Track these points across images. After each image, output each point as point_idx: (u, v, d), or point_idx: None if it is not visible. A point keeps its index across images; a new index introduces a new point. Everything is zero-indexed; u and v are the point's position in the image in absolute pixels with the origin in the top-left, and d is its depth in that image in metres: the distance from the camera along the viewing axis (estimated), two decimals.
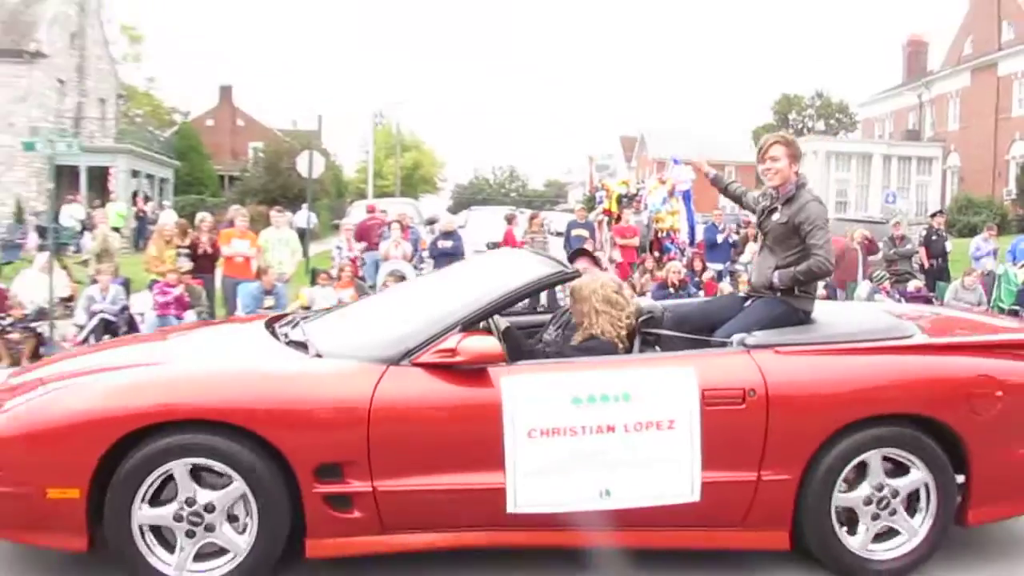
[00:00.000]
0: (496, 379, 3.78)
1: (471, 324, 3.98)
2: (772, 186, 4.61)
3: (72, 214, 22.93)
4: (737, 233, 16.53)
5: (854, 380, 4.05)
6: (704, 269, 13.46)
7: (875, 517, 4.03)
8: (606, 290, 4.40)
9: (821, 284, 13.66)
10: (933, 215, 17.16)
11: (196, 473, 3.66)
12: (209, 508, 3.64)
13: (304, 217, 21.86)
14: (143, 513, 3.63)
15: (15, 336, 10.26)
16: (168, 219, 22.34)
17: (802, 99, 68.31)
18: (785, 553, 4.08)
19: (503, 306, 4.25)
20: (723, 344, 4.24)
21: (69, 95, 32.65)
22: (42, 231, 22.03)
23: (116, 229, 19.28)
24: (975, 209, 30.98)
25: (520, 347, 4.55)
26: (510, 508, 3.76)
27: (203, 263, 11.70)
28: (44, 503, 3.58)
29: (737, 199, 5.34)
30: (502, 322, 4.71)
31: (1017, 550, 4.56)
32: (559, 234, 18.75)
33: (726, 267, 14.17)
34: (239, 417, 3.65)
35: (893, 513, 4.04)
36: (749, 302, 4.66)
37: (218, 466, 3.63)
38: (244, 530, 3.70)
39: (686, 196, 14.46)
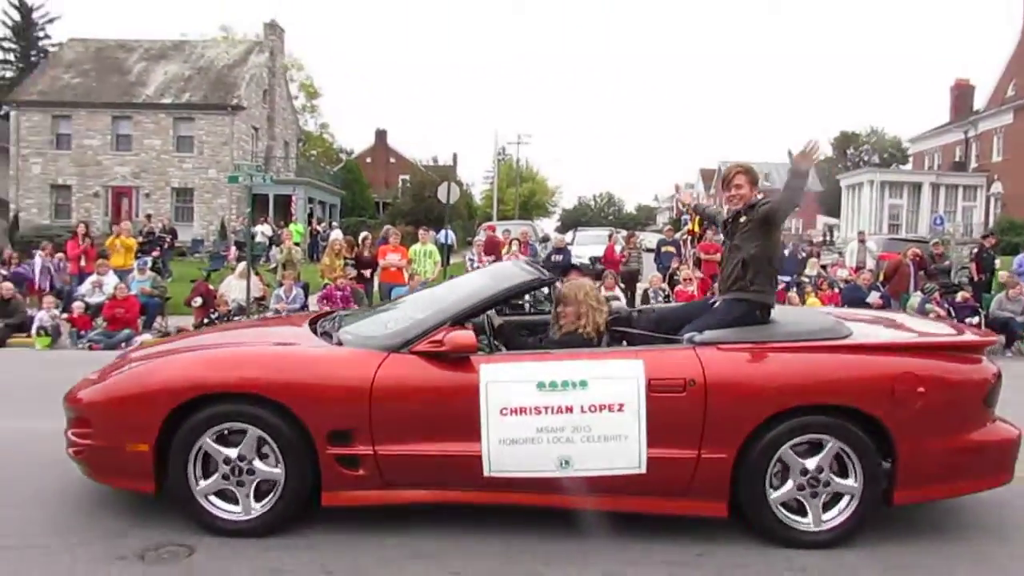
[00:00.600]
0: (476, 366, 3.91)
1: (459, 321, 4.07)
2: (730, 206, 4.60)
3: (263, 232, 24.30)
4: (804, 251, 16.35)
5: (786, 374, 3.95)
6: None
7: (814, 495, 3.92)
8: (595, 291, 4.51)
9: (876, 294, 13.74)
10: (984, 236, 16.54)
11: (226, 438, 3.89)
12: (241, 458, 3.87)
13: (444, 235, 22.58)
14: (201, 487, 3.91)
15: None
16: (337, 236, 23.66)
17: (859, 136, 65.67)
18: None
19: (486, 307, 4.31)
20: (676, 341, 4.18)
21: (261, 139, 34.68)
22: (240, 245, 23.51)
23: (296, 244, 20.38)
24: (1016, 231, 29.48)
25: (511, 340, 4.63)
26: (486, 472, 3.86)
27: (364, 271, 12.40)
28: (123, 455, 3.91)
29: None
30: (496, 319, 4.78)
31: (946, 528, 4.25)
32: (650, 250, 18.60)
33: (793, 279, 14.07)
34: (259, 387, 3.86)
35: (827, 485, 3.92)
36: (716, 304, 4.52)
37: (239, 425, 3.87)
38: (277, 463, 3.88)
39: None
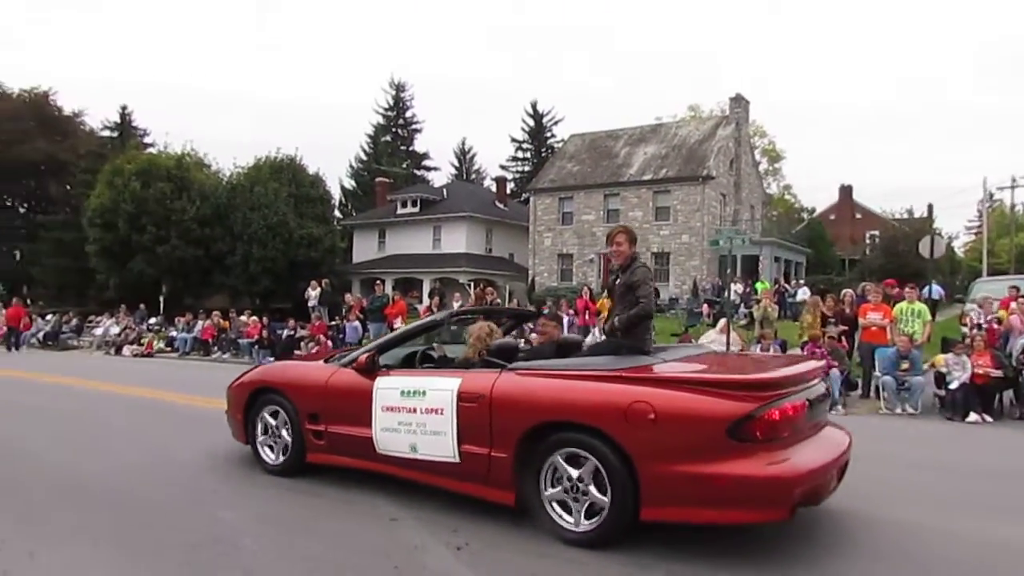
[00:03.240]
0: (374, 378, 5.32)
1: (382, 349, 5.64)
2: (617, 263, 5.18)
3: (735, 290, 24.67)
4: None
5: (543, 395, 4.46)
6: None
7: (576, 500, 4.25)
8: (480, 332, 5.76)
9: None
10: None
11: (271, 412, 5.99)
12: (275, 413, 5.95)
13: (929, 290, 20.27)
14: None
15: None
16: (805, 295, 22.86)
17: None
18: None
19: (397, 341, 5.93)
20: (502, 367, 4.81)
21: (729, 204, 35.43)
22: (710, 303, 24.28)
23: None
24: None
25: (432, 359, 5.99)
26: (377, 449, 5.19)
27: (847, 329, 11.69)
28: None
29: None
30: (442, 348, 6.45)
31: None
32: None
33: None
34: (278, 385, 5.98)
35: (586, 494, 4.22)
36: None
37: (265, 396, 6.02)
38: (286, 427, 5.82)
39: None
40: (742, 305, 23.37)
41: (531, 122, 58.11)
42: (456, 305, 18.00)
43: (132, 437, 7.51)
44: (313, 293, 21.50)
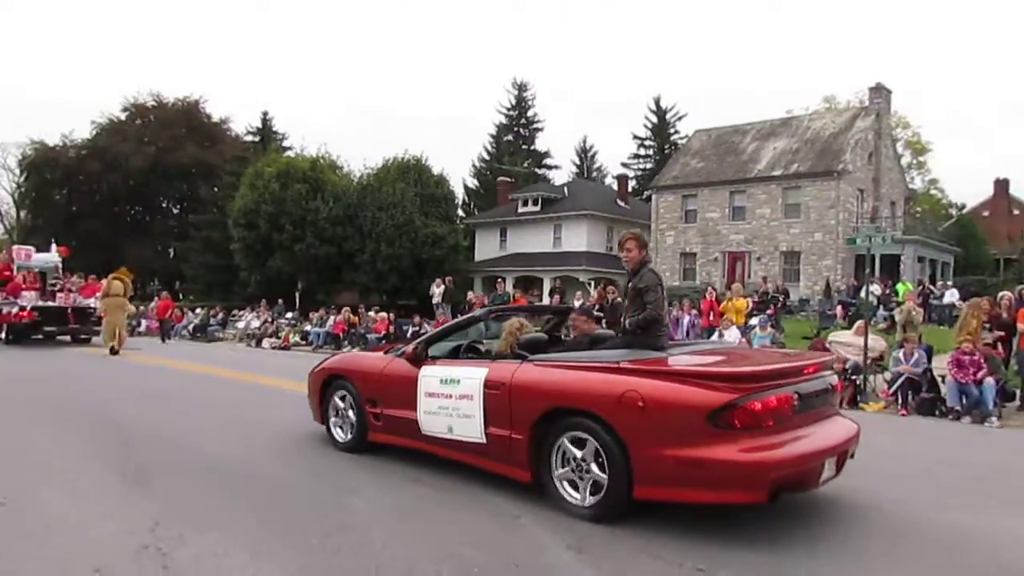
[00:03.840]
0: (419, 367, 5.94)
1: (430, 342, 6.21)
2: (628, 268, 5.61)
3: (872, 291, 23.29)
4: None
5: (562, 384, 4.89)
6: None
7: (581, 479, 4.69)
8: (511, 327, 5.97)
9: None
10: None
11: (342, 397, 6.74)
12: (343, 397, 6.72)
13: None
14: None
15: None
16: (953, 297, 21.27)
17: None
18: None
19: (444, 335, 6.44)
20: (524, 358, 5.32)
21: (867, 200, 33.45)
22: (845, 304, 22.98)
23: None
24: None
25: (478, 351, 6.20)
26: (421, 431, 5.81)
27: (1003, 335, 10.84)
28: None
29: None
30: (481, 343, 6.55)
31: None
32: None
33: None
34: (344, 372, 6.78)
35: (588, 473, 4.64)
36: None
37: (336, 383, 6.81)
38: (352, 409, 6.57)
39: None
40: (880, 307, 21.96)
41: (654, 118, 57.09)
42: (577, 304, 17.95)
43: (265, 424, 7.94)
44: (437, 291, 22.07)
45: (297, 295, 32.08)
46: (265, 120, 52.14)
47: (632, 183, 50.70)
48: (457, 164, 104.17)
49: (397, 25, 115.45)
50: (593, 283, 28.75)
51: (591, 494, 4.64)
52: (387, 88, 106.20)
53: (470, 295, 20.54)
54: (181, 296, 44.09)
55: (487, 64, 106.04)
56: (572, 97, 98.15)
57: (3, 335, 20.18)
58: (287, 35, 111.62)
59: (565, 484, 4.80)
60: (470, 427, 5.37)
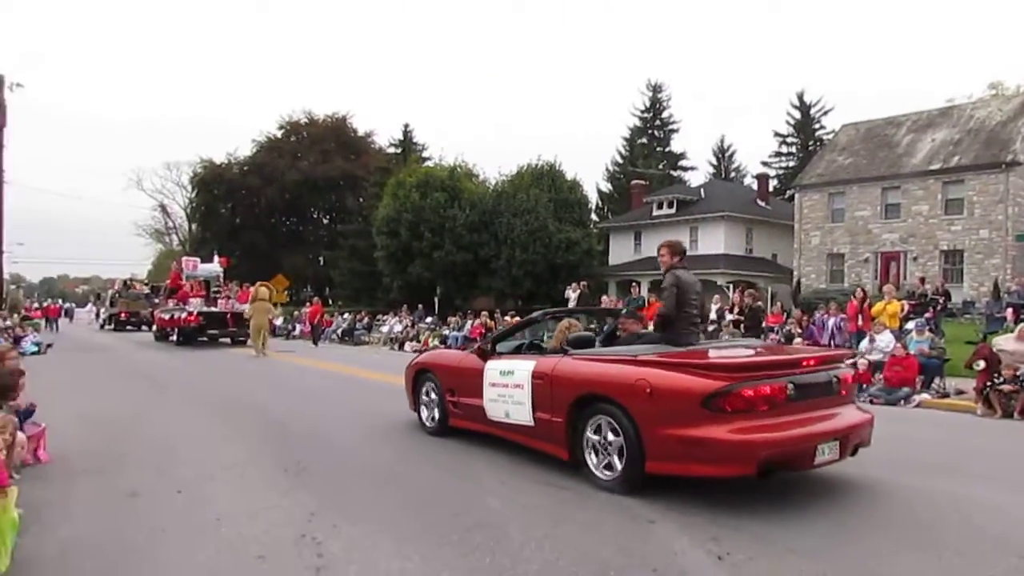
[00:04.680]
0: (486, 361, 6.85)
1: (497, 340, 7.27)
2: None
3: None
4: None
5: (590, 374, 5.72)
6: None
7: (607, 455, 5.44)
8: (562, 326, 6.96)
9: None
10: None
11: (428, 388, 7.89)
12: (429, 390, 7.85)
13: None
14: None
15: (1006, 388, 10.06)
16: None
17: None
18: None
19: (509, 333, 7.74)
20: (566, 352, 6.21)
21: None
22: (1016, 307, 21.00)
23: None
24: None
25: (539, 347, 7.22)
26: (487, 416, 6.71)
27: None
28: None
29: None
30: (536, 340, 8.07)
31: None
32: None
33: None
34: (430, 367, 7.92)
35: (609, 449, 5.41)
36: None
37: (424, 375, 7.95)
38: (434, 397, 7.69)
39: None
40: None
41: (797, 114, 54.52)
42: (714, 307, 17.49)
43: (408, 425, 8.31)
44: (572, 295, 22.17)
45: (436, 300, 33.22)
46: (406, 132, 54.46)
47: (773, 182, 48.64)
48: (590, 169, 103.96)
49: (529, 37, 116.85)
50: (732, 286, 27.87)
51: (613, 469, 5.36)
52: (526, 96, 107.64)
53: (604, 299, 20.45)
54: (331, 302, 46.74)
55: (622, 68, 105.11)
56: (709, 97, 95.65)
57: (174, 337, 23.06)
58: (427, 52, 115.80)
59: (593, 459, 5.54)
60: (522, 412, 6.25)
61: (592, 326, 7.99)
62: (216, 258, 28.10)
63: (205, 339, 22.90)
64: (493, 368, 6.68)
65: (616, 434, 5.31)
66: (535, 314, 8.49)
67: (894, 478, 5.84)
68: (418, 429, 7.91)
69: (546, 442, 6.05)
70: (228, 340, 22.98)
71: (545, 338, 9.28)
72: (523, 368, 6.29)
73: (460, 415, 7.21)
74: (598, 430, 5.48)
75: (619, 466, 5.29)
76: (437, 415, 7.58)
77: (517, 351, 7.03)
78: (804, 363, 5.33)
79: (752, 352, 5.89)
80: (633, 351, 5.68)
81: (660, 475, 5.06)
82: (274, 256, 49.46)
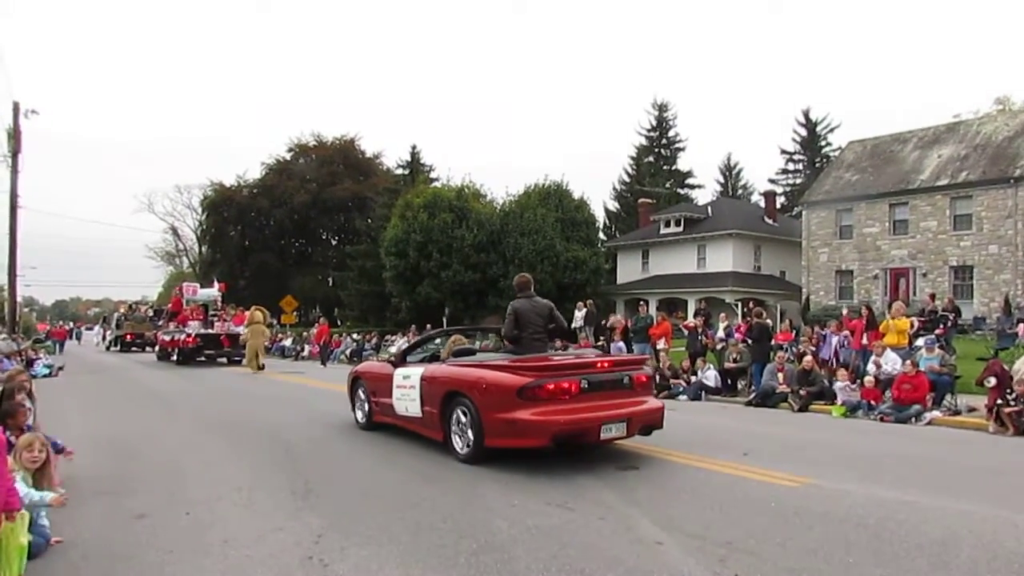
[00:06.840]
0: (395, 368, 8.77)
1: (407, 352, 9.38)
2: None
3: None
4: None
5: (453, 376, 7.58)
6: None
7: (462, 435, 7.26)
8: (450, 341, 9.27)
9: None
10: None
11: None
12: (357, 391, 9.91)
13: None
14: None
15: (1017, 408, 9.95)
16: None
17: None
18: None
19: (415, 347, 9.73)
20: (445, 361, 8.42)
21: None
22: None
23: None
24: None
25: (436, 357, 9.01)
26: (396, 412, 8.56)
27: None
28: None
29: None
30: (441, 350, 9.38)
31: None
32: None
33: None
34: (359, 375, 9.97)
35: (465, 431, 7.20)
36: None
37: (357, 383, 10.06)
38: (362, 394, 9.79)
39: None
40: None
41: (803, 131, 54.66)
42: (722, 325, 17.45)
43: (415, 447, 8.31)
44: (579, 314, 22.12)
45: (444, 320, 33.22)
46: (414, 153, 54.69)
47: (781, 199, 48.72)
48: (597, 188, 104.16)
49: (536, 58, 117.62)
50: (740, 304, 27.77)
51: (468, 446, 7.10)
52: (533, 116, 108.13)
53: (612, 318, 20.42)
54: (339, 322, 46.83)
55: (629, 87, 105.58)
56: (715, 115, 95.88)
57: (174, 357, 24.93)
58: (435, 75, 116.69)
59: (456, 439, 7.29)
60: (415, 407, 8.10)
61: (487, 341, 11.64)
62: (216, 283, 30.11)
63: (203, 359, 24.29)
64: (399, 374, 8.58)
65: (466, 418, 7.11)
66: (431, 332, 11.35)
67: (905, 497, 5.79)
68: (425, 451, 7.91)
69: (430, 429, 7.85)
70: (224, 360, 24.43)
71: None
72: (415, 373, 8.20)
73: (379, 412, 9.10)
74: (458, 418, 7.24)
75: (471, 443, 7.04)
76: (366, 411, 9.48)
77: (425, 361, 8.83)
78: (599, 365, 7.23)
79: (574, 358, 7.64)
80: (483, 359, 7.90)
81: (495, 448, 6.83)
82: (283, 277, 49.70)
